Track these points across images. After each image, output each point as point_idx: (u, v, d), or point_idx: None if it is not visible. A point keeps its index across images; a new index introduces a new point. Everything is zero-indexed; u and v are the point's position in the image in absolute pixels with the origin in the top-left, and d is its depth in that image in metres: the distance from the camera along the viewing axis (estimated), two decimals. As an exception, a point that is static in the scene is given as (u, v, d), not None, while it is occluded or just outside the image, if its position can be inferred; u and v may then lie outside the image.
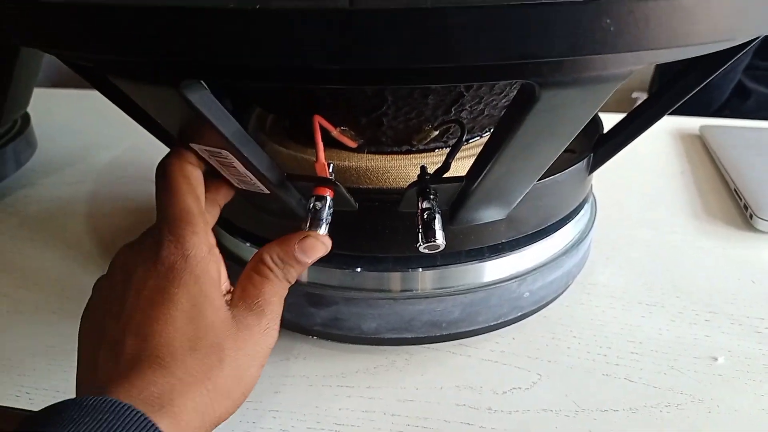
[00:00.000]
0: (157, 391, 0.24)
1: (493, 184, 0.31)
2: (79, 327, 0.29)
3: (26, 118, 0.67)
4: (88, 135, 0.77)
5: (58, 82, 1.22)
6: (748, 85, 1.08)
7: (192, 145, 0.29)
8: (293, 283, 0.30)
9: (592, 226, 0.43)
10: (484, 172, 0.29)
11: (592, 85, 0.24)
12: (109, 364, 0.25)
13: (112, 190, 0.63)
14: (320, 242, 0.30)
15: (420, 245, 0.31)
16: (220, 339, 0.26)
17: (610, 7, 0.18)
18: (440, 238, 0.30)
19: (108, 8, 0.20)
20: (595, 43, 0.19)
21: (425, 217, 0.31)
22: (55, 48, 0.24)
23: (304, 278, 0.38)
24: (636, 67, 0.23)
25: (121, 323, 0.26)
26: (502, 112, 0.37)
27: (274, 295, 0.29)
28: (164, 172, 0.29)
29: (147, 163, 0.67)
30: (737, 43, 0.26)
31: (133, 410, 0.22)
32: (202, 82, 0.25)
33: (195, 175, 0.30)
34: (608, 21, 0.19)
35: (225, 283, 0.31)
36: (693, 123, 0.74)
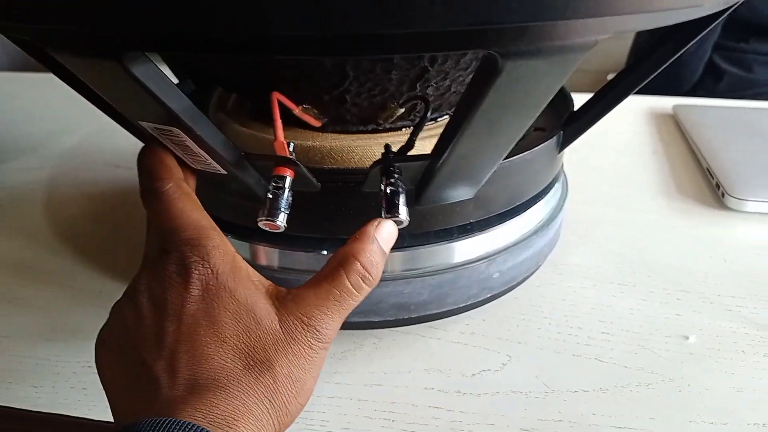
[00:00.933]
0: (220, 413, 0.23)
1: (459, 161, 0.30)
2: (96, 354, 0.28)
3: (-19, 102, 0.64)
4: (50, 120, 0.74)
5: (22, 65, 1.18)
6: (721, 66, 1.08)
7: (141, 123, 0.28)
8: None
9: (563, 206, 0.43)
10: (449, 149, 0.28)
11: (557, 55, 0.22)
12: (163, 390, 0.24)
13: (73, 177, 0.61)
14: (394, 226, 0.29)
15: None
16: (270, 355, 0.25)
17: (569, -33, 0.17)
18: (404, 213, 0.29)
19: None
20: (557, 9, 0.18)
21: (388, 192, 0.30)
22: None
23: (266, 262, 0.36)
24: (601, 36, 0.22)
25: (166, 352, 0.25)
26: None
27: (340, 314, 0.27)
28: (159, 194, 0.28)
29: (110, 148, 0.65)
30: (705, 13, 0.25)
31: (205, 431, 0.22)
32: (146, 54, 0.23)
33: (189, 182, 0.30)
34: (568, -18, 0.17)
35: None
36: (666, 102, 0.74)
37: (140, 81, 0.24)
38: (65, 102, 0.76)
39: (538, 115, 0.27)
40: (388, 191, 0.30)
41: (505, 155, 0.31)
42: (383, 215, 0.29)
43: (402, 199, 0.30)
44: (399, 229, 0.30)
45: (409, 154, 0.32)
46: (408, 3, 0.18)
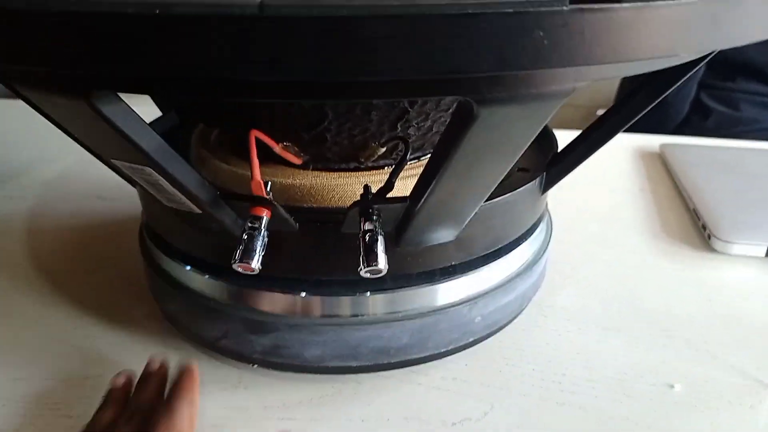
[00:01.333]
0: None
1: (439, 204, 0.29)
2: None
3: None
4: (33, 148, 0.73)
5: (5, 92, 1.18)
6: (708, 104, 1.09)
7: (113, 160, 0.27)
8: None
9: (547, 247, 0.42)
10: (428, 192, 0.28)
11: (534, 102, 0.22)
12: None
13: (55, 207, 0.60)
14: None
15: (361, 269, 0.29)
16: None
17: (541, 19, 0.17)
18: (382, 262, 0.29)
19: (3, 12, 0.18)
20: (528, 58, 0.18)
21: (367, 239, 0.29)
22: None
23: (243, 303, 0.35)
24: (579, 84, 0.22)
25: None
26: (453, 130, 0.36)
27: None
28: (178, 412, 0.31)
29: (94, 178, 0.65)
30: (682, 61, 0.25)
31: None
32: (116, 93, 0.23)
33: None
34: (541, 34, 0.17)
35: None
36: (653, 141, 0.74)
37: (110, 120, 0.23)
38: (49, 129, 0.75)
39: (517, 158, 0.26)
40: (366, 238, 0.29)
41: (485, 198, 0.30)
42: (362, 263, 0.29)
43: (380, 246, 0.29)
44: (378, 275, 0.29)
45: (388, 195, 0.31)
46: (370, 51, 0.17)
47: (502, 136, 0.24)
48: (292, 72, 0.17)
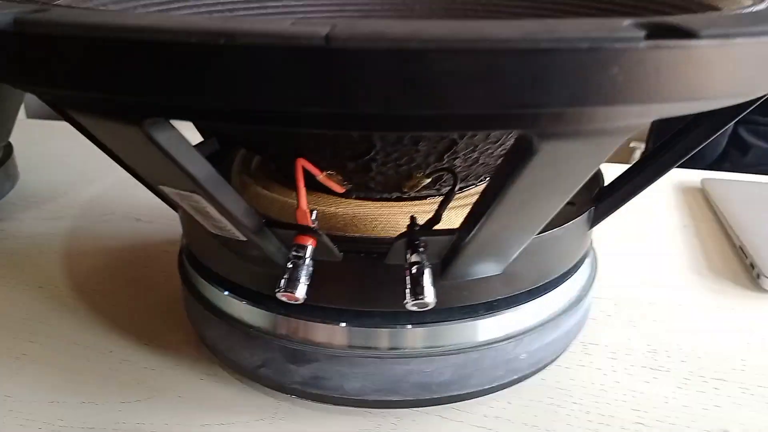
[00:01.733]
0: None
1: (488, 238, 0.28)
2: None
3: (8, 150, 0.65)
4: (73, 169, 0.75)
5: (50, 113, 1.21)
6: (747, 139, 1.07)
7: (161, 187, 0.27)
8: None
9: (592, 283, 0.41)
10: (478, 225, 0.27)
11: (597, 137, 0.21)
12: None
13: (93, 228, 0.60)
14: None
15: (407, 302, 0.28)
16: None
17: (618, 55, 0.16)
18: (429, 295, 0.28)
19: (56, 38, 0.18)
20: (600, 94, 0.17)
21: (413, 271, 0.29)
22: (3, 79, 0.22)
23: (284, 331, 0.35)
24: (644, 120, 0.21)
25: None
26: (499, 161, 0.36)
27: None
28: None
29: (133, 200, 0.65)
30: (754, 98, 0.24)
31: None
32: (169, 120, 0.23)
33: None
34: (616, 71, 0.16)
35: None
36: (693, 176, 0.72)
37: (162, 148, 0.23)
38: (88, 151, 0.77)
39: (573, 194, 0.26)
40: (413, 270, 0.28)
41: (536, 232, 0.30)
42: (408, 296, 0.28)
43: (427, 279, 0.28)
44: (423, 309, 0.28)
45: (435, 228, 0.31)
46: (438, 85, 0.17)
47: (561, 171, 0.23)
48: (359, 105, 0.17)
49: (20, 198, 0.65)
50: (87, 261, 0.54)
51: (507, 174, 0.24)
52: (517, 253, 0.31)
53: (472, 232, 0.28)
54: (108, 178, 0.72)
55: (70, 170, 0.74)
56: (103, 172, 0.73)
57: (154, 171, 0.26)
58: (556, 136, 0.21)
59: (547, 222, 0.28)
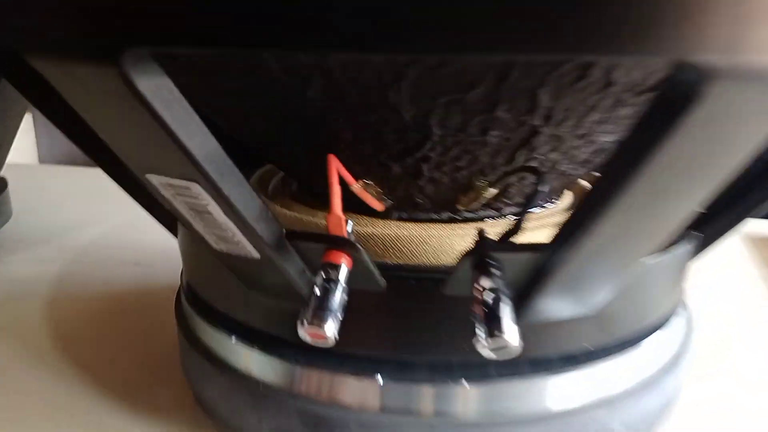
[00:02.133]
0: None
1: (592, 253, 0.21)
2: None
3: (1, 184, 0.59)
4: (73, 209, 0.69)
5: (58, 159, 1.17)
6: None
7: (148, 176, 0.20)
8: None
9: (691, 334, 0.32)
10: (593, 227, 0.19)
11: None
12: None
13: (87, 273, 0.53)
14: None
15: (479, 342, 0.20)
16: None
17: None
18: (511, 333, 0.20)
19: None
20: None
21: (489, 301, 0.21)
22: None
23: (303, 389, 0.27)
24: None
25: None
26: (582, 170, 0.28)
27: None
28: None
29: (131, 244, 0.58)
30: None
31: None
32: (155, 61, 0.16)
33: None
34: None
35: None
36: (763, 226, 0.65)
37: (147, 100, 0.16)
38: (90, 194, 0.71)
39: (728, 178, 0.18)
40: (489, 299, 0.20)
41: (660, 243, 0.22)
42: (480, 334, 0.20)
43: (507, 312, 0.20)
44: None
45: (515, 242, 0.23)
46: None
47: (729, 134, 0.16)
48: None
49: (10, 239, 0.59)
50: (75, 309, 0.46)
51: (644, 142, 0.16)
52: (624, 281, 0.23)
53: (570, 246, 0.20)
54: (108, 221, 0.65)
55: (69, 212, 0.68)
56: (103, 216, 0.66)
57: (138, 145, 0.19)
58: (731, 73, 0.14)
59: (681, 224, 0.20)
